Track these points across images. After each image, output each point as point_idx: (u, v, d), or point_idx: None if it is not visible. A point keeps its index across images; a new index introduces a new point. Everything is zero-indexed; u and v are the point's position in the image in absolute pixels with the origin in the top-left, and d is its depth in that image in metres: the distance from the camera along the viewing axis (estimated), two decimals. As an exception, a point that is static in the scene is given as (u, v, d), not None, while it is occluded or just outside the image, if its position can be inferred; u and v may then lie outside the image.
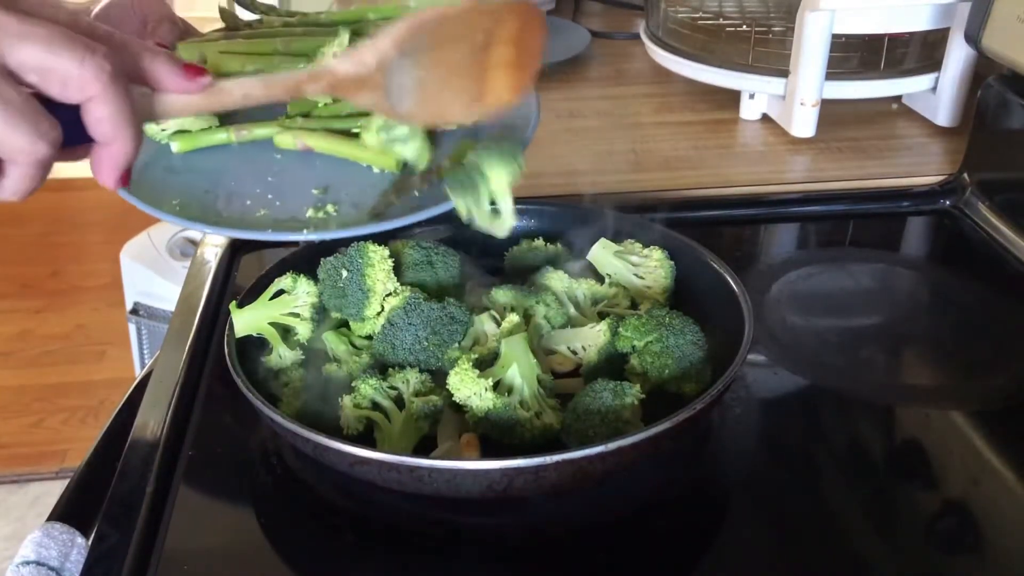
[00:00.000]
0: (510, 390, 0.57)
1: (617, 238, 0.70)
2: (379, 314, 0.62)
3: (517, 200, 0.79)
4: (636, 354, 0.61)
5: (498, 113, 0.56)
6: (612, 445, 0.49)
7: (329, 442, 0.51)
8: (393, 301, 0.61)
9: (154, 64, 0.46)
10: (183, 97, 0.47)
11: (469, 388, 0.56)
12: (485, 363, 0.58)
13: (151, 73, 0.46)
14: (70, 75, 0.41)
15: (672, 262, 0.68)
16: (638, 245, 0.70)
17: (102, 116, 0.42)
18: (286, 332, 0.63)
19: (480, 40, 0.54)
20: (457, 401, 0.57)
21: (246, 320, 0.62)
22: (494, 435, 0.56)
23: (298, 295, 0.63)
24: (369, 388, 0.57)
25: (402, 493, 0.53)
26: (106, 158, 0.44)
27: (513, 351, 0.58)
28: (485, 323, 0.62)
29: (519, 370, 0.57)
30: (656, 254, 0.68)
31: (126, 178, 0.45)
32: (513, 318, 0.61)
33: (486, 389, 0.55)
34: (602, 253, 0.69)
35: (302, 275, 0.64)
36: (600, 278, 0.69)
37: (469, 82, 0.54)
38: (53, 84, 0.41)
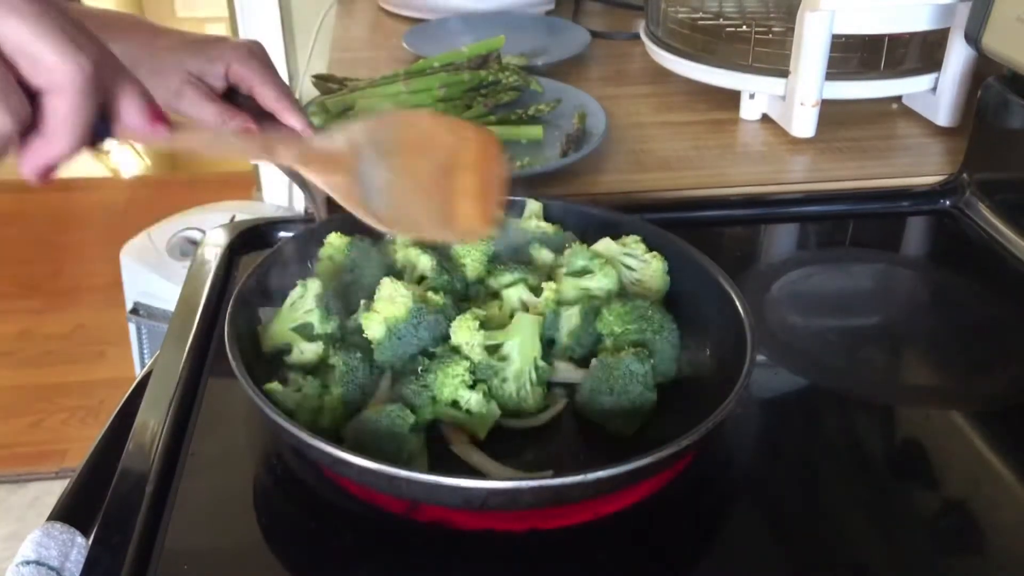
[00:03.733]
0: (504, 358, 0.59)
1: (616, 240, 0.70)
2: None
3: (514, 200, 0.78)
4: (613, 338, 0.62)
5: (468, 239, 0.63)
6: (591, 476, 0.49)
7: (313, 441, 0.50)
8: (394, 309, 0.60)
9: (126, 96, 0.45)
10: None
11: (464, 336, 0.59)
12: (493, 325, 0.61)
13: (120, 102, 0.45)
14: (44, 60, 0.41)
15: (668, 277, 0.68)
16: (641, 247, 0.69)
17: (57, 111, 0.42)
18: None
19: (443, 159, 0.59)
20: (452, 344, 0.60)
21: (274, 332, 0.62)
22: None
23: (307, 299, 0.63)
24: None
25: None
26: (40, 151, 0.43)
27: (521, 326, 0.60)
28: (520, 293, 0.64)
29: (519, 346, 0.60)
30: (655, 263, 0.68)
31: (47, 175, 0.44)
32: (551, 286, 0.64)
33: (479, 344, 0.59)
34: (604, 251, 0.69)
35: (308, 279, 0.64)
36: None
37: (438, 201, 0.59)
38: (23, 61, 0.41)
